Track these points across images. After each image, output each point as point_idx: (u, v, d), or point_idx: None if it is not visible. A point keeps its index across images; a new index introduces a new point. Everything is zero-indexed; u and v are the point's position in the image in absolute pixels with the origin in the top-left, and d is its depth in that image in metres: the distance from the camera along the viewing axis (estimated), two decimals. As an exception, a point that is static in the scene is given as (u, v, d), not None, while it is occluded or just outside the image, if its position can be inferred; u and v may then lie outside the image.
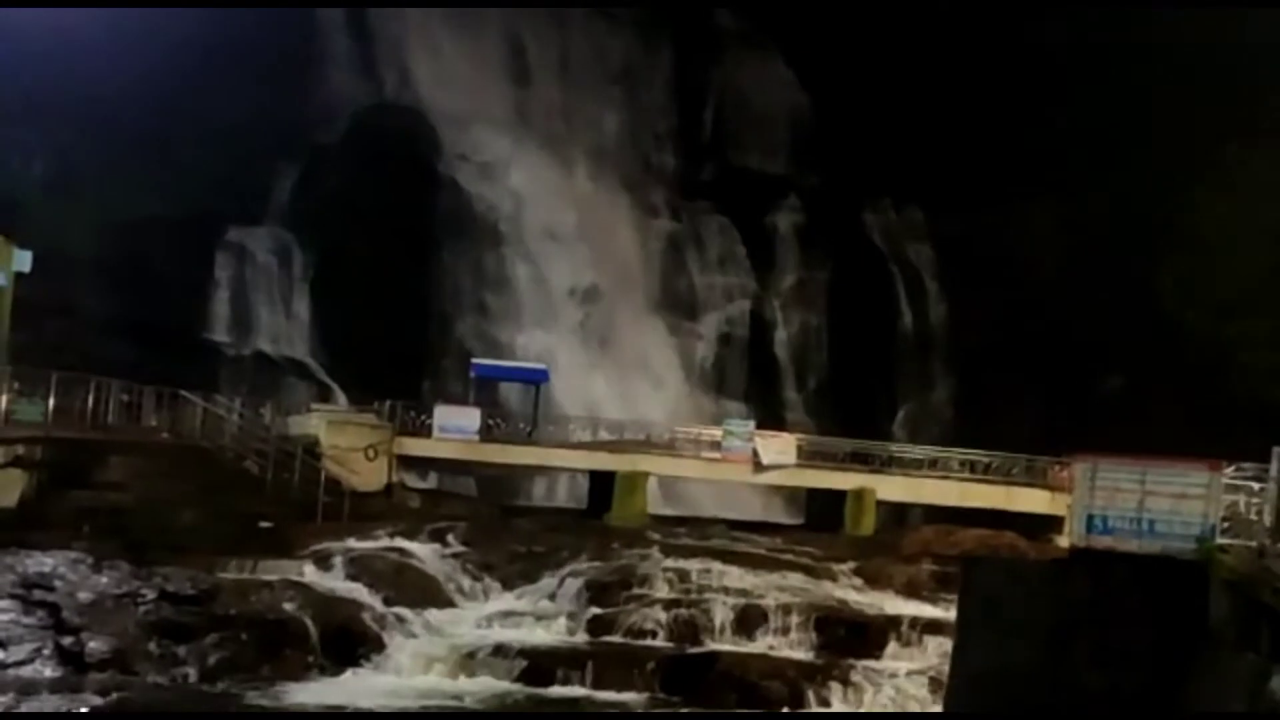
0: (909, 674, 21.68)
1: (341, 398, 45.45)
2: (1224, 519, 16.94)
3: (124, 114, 45.95)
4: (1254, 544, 15.41)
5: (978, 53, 50.67)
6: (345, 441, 33.66)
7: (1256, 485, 17.15)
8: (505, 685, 21.30)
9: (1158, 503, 16.56)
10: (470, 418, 36.42)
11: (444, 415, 36.29)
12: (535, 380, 40.54)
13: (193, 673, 20.17)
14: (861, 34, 53.98)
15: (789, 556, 29.24)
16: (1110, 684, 16.14)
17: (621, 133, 57.50)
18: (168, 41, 46.00)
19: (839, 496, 37.00)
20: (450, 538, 29.05)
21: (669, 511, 40.01)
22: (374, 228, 49.59)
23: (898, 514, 41.13)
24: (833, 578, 27.55)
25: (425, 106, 54.20)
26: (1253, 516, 16.29)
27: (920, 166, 51.85)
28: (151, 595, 21.74)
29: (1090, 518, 17.16)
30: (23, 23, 41.89)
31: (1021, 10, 49.48)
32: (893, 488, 36.92)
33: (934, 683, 20.65)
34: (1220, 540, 16.12)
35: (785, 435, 38.44)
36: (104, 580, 21.97)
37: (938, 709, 19.05)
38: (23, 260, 32.58)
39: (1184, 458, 16.79)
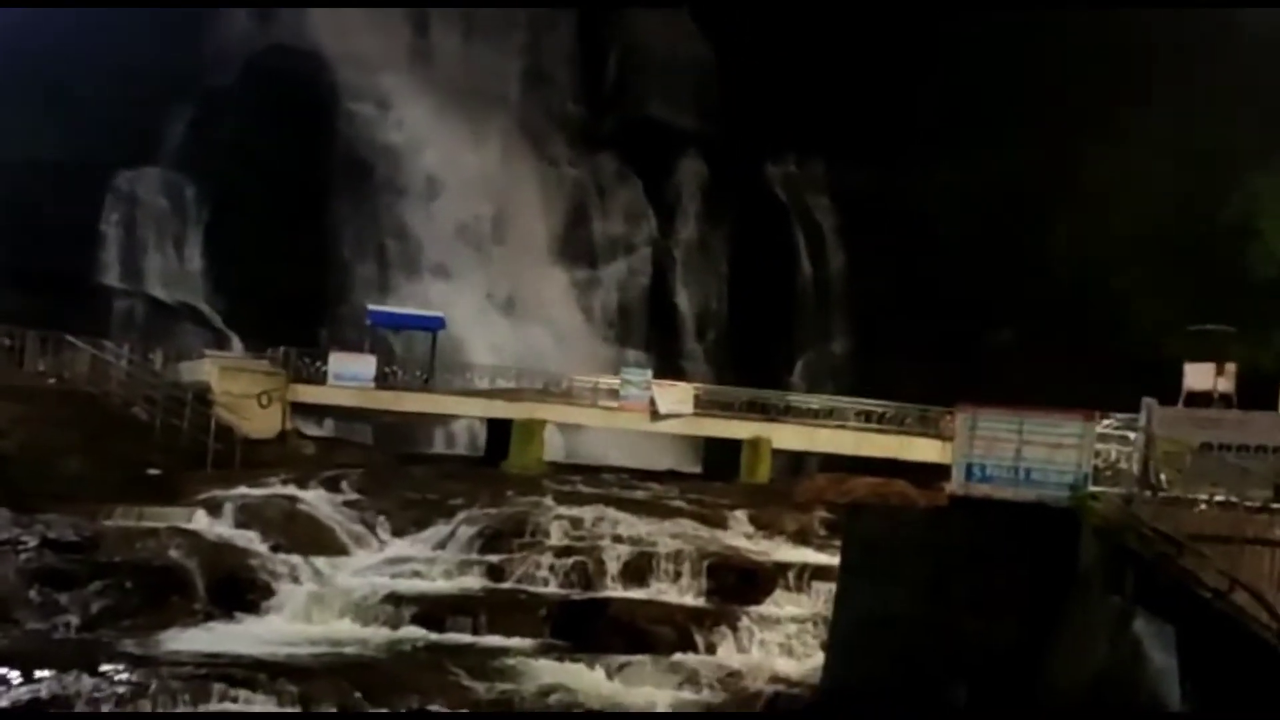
0: (795, 619, 22.03)
1: (237, 345, 44.81)
2: (1105, 468, 17.44)
3: (12, 56, 44.74)
4: (1123, 492, 15.82)
5: (879, 9, 50.87)
6: (238, 388, 33.24)
7: (1131, 435, 17.59)
8: (395, 632, 21.32)
9: (1034, 452, 16.98)
10: (366, 365, 36.17)
11: (339, 362, 35.99)
12: (431, 327, 40.25)
13: (74, 620, 19.94)
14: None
15: (682, 504, 29.48)
16: (986, 628, 16.59)
17: (523, 80, 56.92)
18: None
19: (736, 446, 37.33)
20: (344, 485, 28.93)
21: (570, 461, 40.17)
22: (270, 172, 48.72)
23: (795, 463, 41.68)
24: (725, 525, 27.86)
25: (322, 50, 53.13)
26: (1122, 465, 16.73)
27: (822, 120, 52.00)
28: (33, 543, 21.46)
29: (969, 466, 17.57)
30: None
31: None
32: (788, 436, 37.34)
33: (819, 627, 20.99)
34: (1093, 489, 16.54)
35: (682, 385, 38.68)
36: (-17, 528, 21.59)
37: (821, 654, 19.36)
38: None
39: (1060, 409, 17.19)
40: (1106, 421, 17.99)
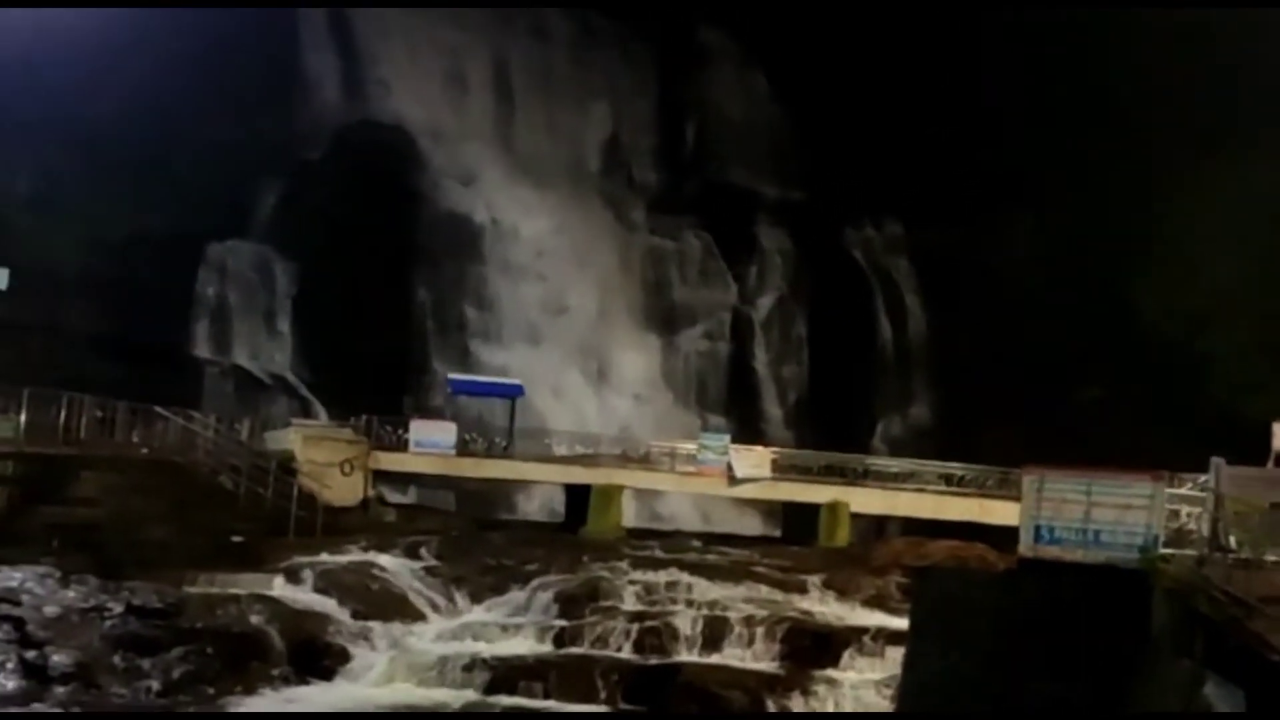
0: (868, 684, 21.85)
1: (322, 413, 45.62)
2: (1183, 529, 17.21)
3: (109, 131, 46.23)
4: (1195, 554, 15.60)
5: (957, 68, 50.99)
6: (321, 456, 33.84)
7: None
8: (469, 695, 21.48)
9: (1103, 513, 16.79)
10: (446, 432, 36.64)
11: (420, 430, 36.51)
12: (510, 395, 40.75)
13: (156, 685, 20.29)
14: (843, 50, 54.30)
15: (759, 568, 29.39)
16: (1056, 691, 16.36)
17: (603, 148, 57.79)
18: (154, 59, 46.41)
19: (815, 510, 37.16)
20: (423, 551, 29.29)
21: (651, 527, 40.31)
22: (356, 243, 49.81)
23: (877, 527, 41.36)
24: (801, 589, 27.69)
25: (408, 123, 54.51)
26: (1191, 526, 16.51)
27: (900, 182, 52.19)
28: (118, 609, 21.89)
29: (1038, 528, 17.39)
30: (8, 39, 42.09)
31: (997, 29, 49.82)
32: (867, 500, 37.10)
33: (892, 690, 20.79)
34: (1164, 550, 16.34)
35: (759, 449, 38.63)
36: (71, 595, 22.11)
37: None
38: (0, 278, 32.67)
39: (1129, 470, 17.03)
40: (1188, 484, 17.81)
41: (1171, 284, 45.05)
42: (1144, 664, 15.60)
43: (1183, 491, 17.22)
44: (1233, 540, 15.14)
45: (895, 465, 39.36)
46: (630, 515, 39.93)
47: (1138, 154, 45.66)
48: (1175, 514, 16.85)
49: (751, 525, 42.94)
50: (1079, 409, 45.67)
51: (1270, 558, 14.80)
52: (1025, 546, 17.50)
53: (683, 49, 59.42)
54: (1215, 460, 15.57)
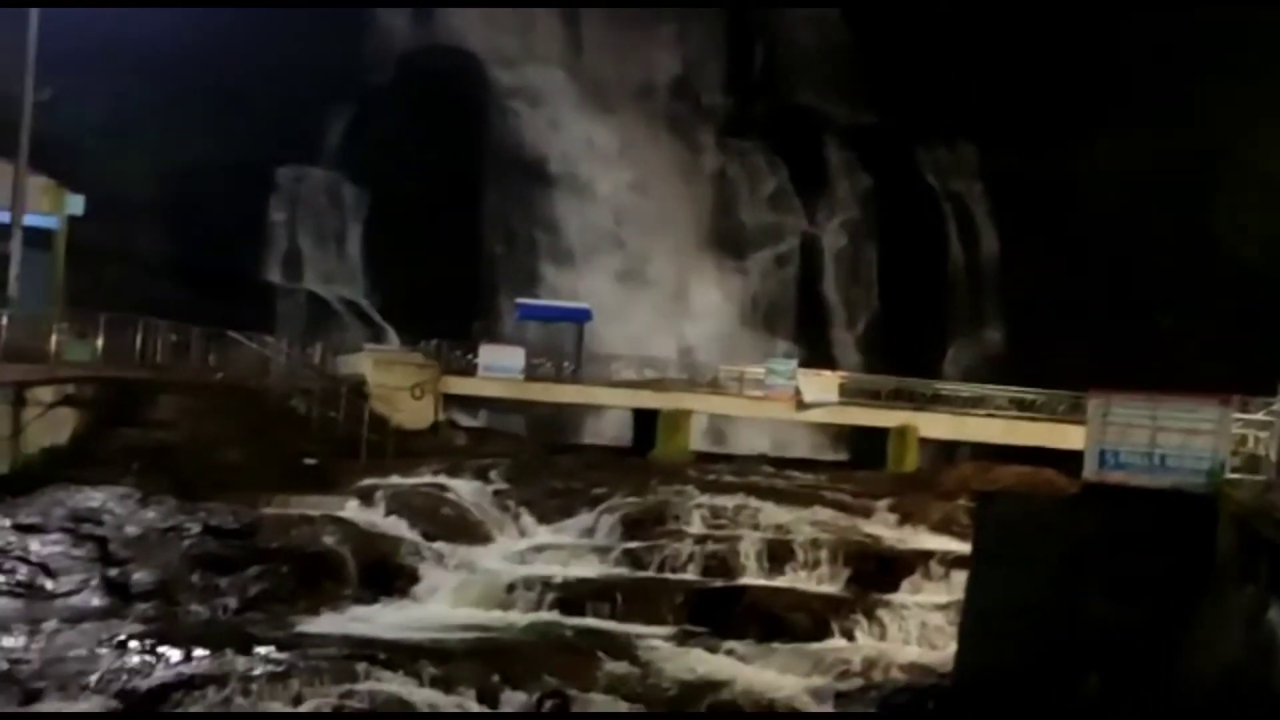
0: (934, 607, 21.94)
1: (394, 338, 46.12)
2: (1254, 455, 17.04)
3: (177, 59, 46.47)
4: (1262, 479, 15.46)
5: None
6: (392, 380, 34.32)
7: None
8: (536, 616, 21.81)
9: (1169, 438, 16.67)
10: (515, 357, 36.99)
11: (489, 354, 36.89)
12: (579, 319, 40.95)
13: (233, 603, 20.83)
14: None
15: (826, 493, 29.55)
16: (1120, 615, 16.34)
17: (671, 70, 57.34)
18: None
19: (884, 434, 37.19)
20: (492, 475, 29.71)
21: (718, 450, 40.50)
22: (425, 168, 49.96)
23: (946, 452, 41.27)
24: (867, 514, 27.89)
25: (474, 47, 54.41)
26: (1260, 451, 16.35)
27: (973, 102, 51.32)
28: (195, 530, 22.42)
29: (1103, 453, 17.32)
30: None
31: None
32: (936, 425, 37.09)
33: (957, 615, 20.84)
34: (1231, 475, 16.20)
35: (828, 373, 38.69)
36: (150, 515, 22.69)
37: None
38: (75, 204, 33.33)
39: (1196, 393, 16.86)
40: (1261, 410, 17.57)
41: (1250, 208, 44.20)
42: (1209, 590, 15.53)
43: (1254, 416, 16.96)
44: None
45: (965, 390, 39.30)
46: (700, 439, 40.17)
47: (1218, 74, 44.60)
48: (1244, 440, 16.60)
49: (821, 449, 43.00)
50: (1153, 334, 45.06)
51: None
52: (1090, 472, 17.44)
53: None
54: (1284, 384, 15.38)
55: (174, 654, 17.35)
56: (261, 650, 17.68)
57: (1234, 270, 43.58)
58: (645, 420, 37.67)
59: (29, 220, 29.72)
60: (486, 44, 54.85)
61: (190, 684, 16.36)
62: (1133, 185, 47.27)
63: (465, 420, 40.59)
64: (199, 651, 17.43)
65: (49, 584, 20.27)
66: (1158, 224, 45.89)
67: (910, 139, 54.58)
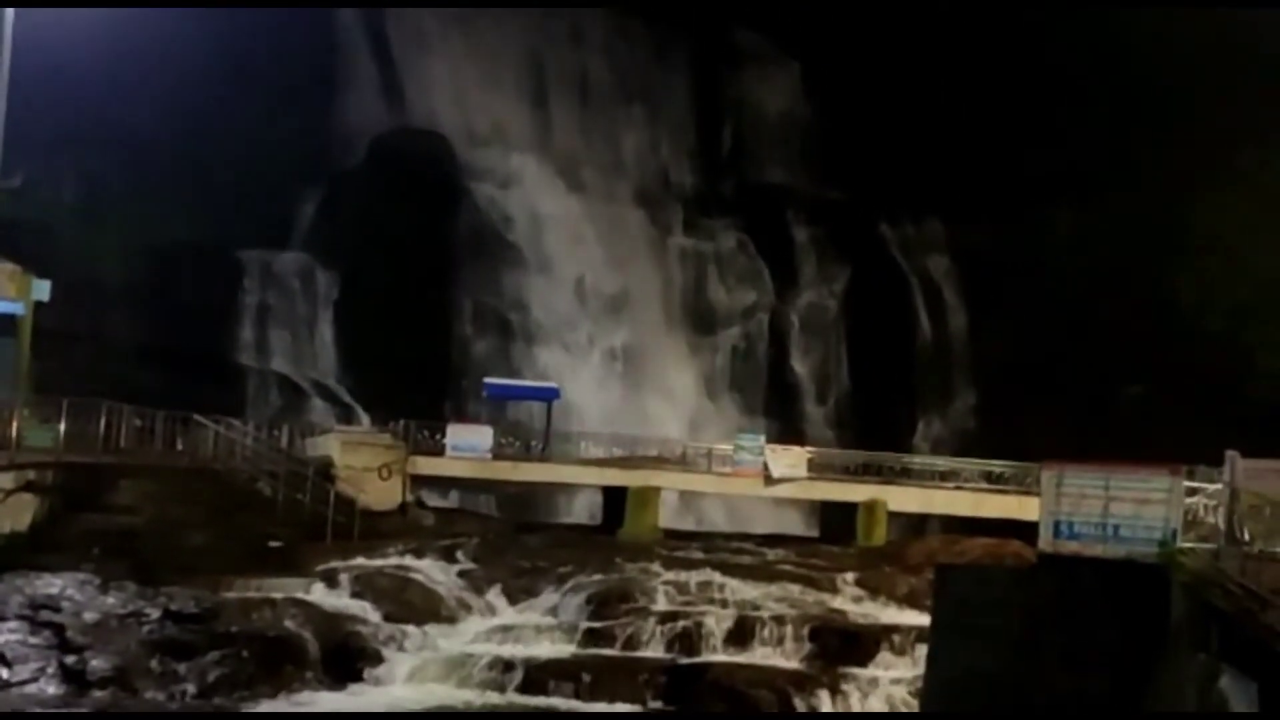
0: (896, 681, 21.91)
1: (364, 418, 46.02)
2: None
3: (150, 141, 46.84)
4: (1213, 547, 15.57)
5: (991, 65, 50.71)
6: (359, 461, 34.15)
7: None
8: (499, 697, 21.72)
9: (1121, 508, 16.82)
10: (483, 436, 36.88)
11: (456, 434, 36.75)
12: (546, 398, 41.00)
13: (192, 688, 20.66)
14: (876, 47, 54.19)
15: (791, 568, 29.51)
16: (1077, 685, 16.38)
17: (640, 150, 57.97)
18: (191, 69, 47.03)
19: (853, 509, 37.14)
20: (459, 554, 29.55)
21: (691, 528, 40.44)
22: (395, 249, 50.24)
23: (916, 526, 41.25)
24: (834, 588, 27.85)
25: (445, 128, 54.92)
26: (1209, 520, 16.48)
27: (937, 179, 51.97)
28: (155, 615, 22.29)
29: (1058, 523, 17.44)
30: (50, 50, 42.66)
31: (1034, 23, 49.52)
32: (904, 498, 37.04)
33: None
34: (1182, 544, 16.31)
35: (796, 449, 38.64)
36: (110, 601, 22.55)
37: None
38: (40, 290, 33.12)
39: (1147, 464, 17.01)
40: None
41: (1212, 278, 44.72)
42: (1162, 657, 15.59)
43: (1208, 486, 17.12)
44: (1246, 533, 15.10)
45: (933, 463, 39.28)
46: (673, 518, 40.13)
47: (1178, 148, 45.28)
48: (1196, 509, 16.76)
49: (793, 525, 42.94)
50: (1122, 405, 45.36)
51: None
52: (1045, 542, 17.56)
53: (718, 50, 59.44)
54: (1230, 453, 15.54)
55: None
56: (219, 736, 17.54)
57: (1199, 339, 43.94)
58: (614, 498, 37.56)
59: (-7, 307, 29.62)
60: (456, 126, 55.38)
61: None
62: (1098, 257, 47.85)
63: (435, 500, 40.38)
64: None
65: (3, 673, 20.08)
66: (1124, 295, 46.34)
67: (877, 216, 55.14)
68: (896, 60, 53.66)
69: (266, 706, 20.25)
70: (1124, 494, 16.79)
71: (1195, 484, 17.34)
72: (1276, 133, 43.04)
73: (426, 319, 49.88)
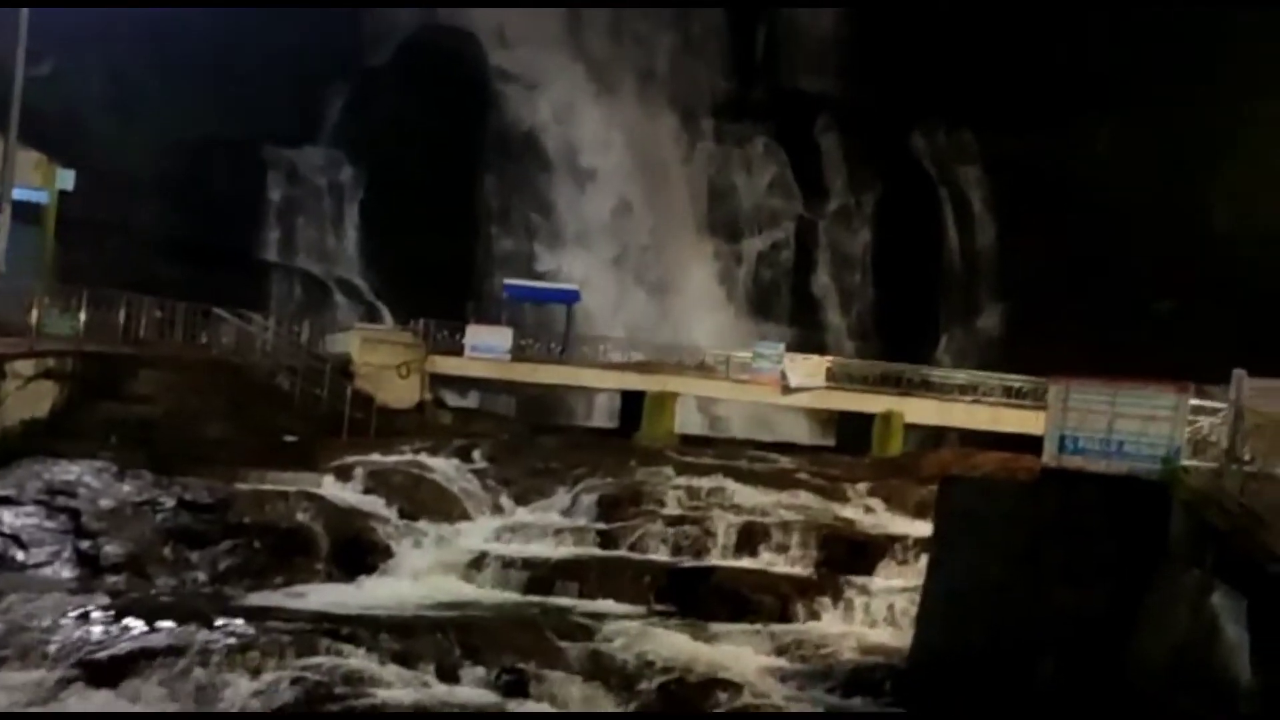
0: (901, 590, 22.00)
1: (388, 317, 46.23)
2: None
3: (179, 36, 46.72)
4: (1215, 465, 15.53)
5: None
6: (378, 359, 34.38)
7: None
8: (505, 594, 21.96)
9: (1126, 424, 16.76)
10: (502, 337, 37.01)
11: (475, 334, 36.92)
12: (567, 300, 41.04)
13: (203, 576, 20.98)
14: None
15: (805, 476, 29.57)
16: (1076, 598, 16.44)
17: (672, 54, 57.27)
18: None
19: (870, 420, 37.22)
20: (475, 454, 29.66)
21: (710, 434, 40.58)
22: (423, 149, 50.10)
23: (935, 438, 41.29)
24: (845, 498, 27.91)
25: (474, 27, 54.38)
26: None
27: (970, 88, 51.17)
28: (170, 503, 22.50)
29: (1062, 438, 17.39)
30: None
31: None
32: (921, 411, 37.11)
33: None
34: (1185, 462, 16.26)
35: (815, 357, 38.69)
36: (125, 488, 22.74)
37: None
38: (65, 179, 33.35)
39: (1154, 380, 16.90)
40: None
41: (1249, 196, 44.06)
42: (1159, 574, 15.61)
43: (1214, 404, 17.01)
44: (1248, 452, 15.03)
45: (952, 376, 39.24)
46: (694, 423, 40.31)
47: (1219, 61, 44.43)
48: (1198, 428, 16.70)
49: (809, 434, 43.06)
50: (1152, 322, 45.01)
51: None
52: (1049, 456, 17.54)
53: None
54: (1237, 372, 15.41)
55: (137, 625, 17.45)
56: (224, 623, 17.78)
57: (1231, 258, 43.46)
58: (633, 403, 37.74)
59: (17, 194, 29.69)
60: (486, 24, 54.83)
61: (149, 654, 16.45)
62: (1131, 172, 47.15)
63: (455, 400, 40.70)
64: (162, 623, 17.52)
65: (20, 555, 20.39)
66: (1156, 211, 45.78)
67: (909, 125, 54.48)
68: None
69: (275, 596, 20.51)
70: (1130, 410, 16.72)
71: (1212, 404, 17.18)
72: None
73: (452, 219, 49.89)
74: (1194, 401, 17.00)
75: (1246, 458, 14.92)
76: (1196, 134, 45.58)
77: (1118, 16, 47.47)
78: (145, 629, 17.40)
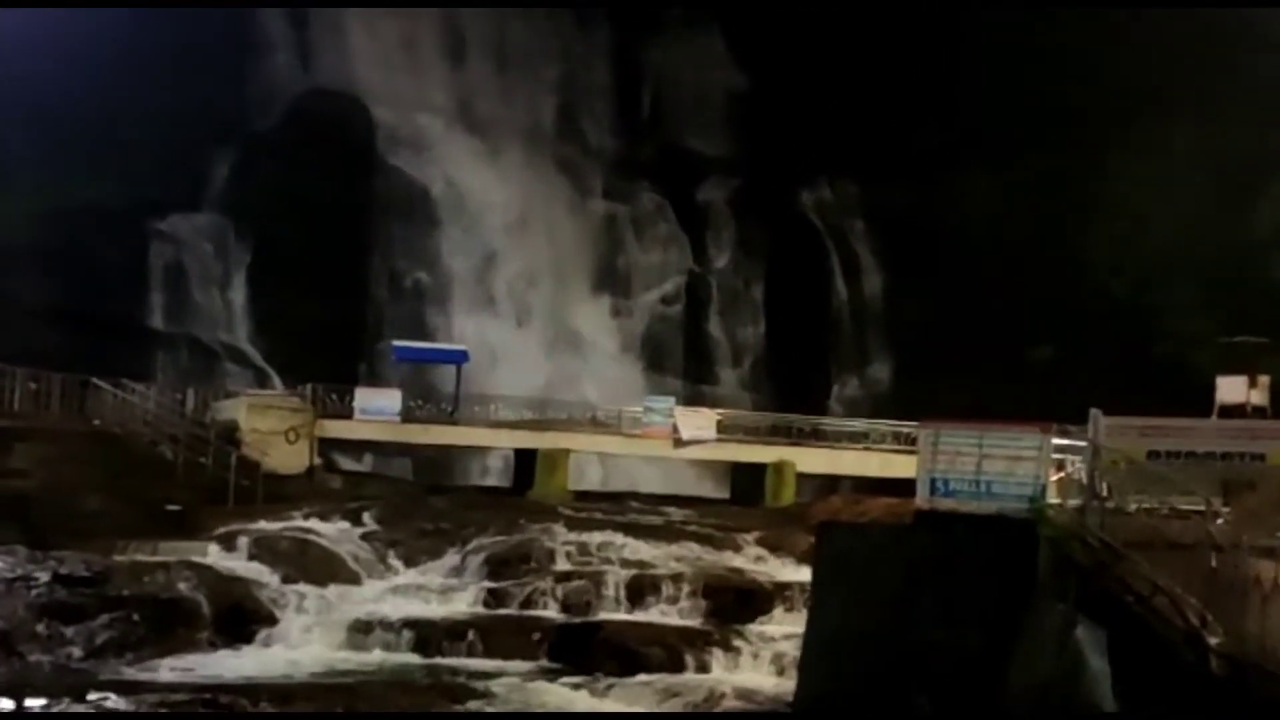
0: (788, 637, 22.14)
1: (277, 382, 45.68)
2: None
3: (61, 101, 46.05)
4: (1077, 503, 15.92)
5: (906, 29, 50.91)
6: (265, 425, 33.96)
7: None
8: (392, 657, 21.78)
9: (994, 465, 17.05)
10: (391, 399, 36.79)
11: (365, 397, 36.66)
12: (456, 361, 40.85)
13: (79, 652, 20.54)
14: (795, 11, 54.15)
15: (696, 528, 29.74)
16: (952, 637, 16.67)
17: (558, 114, 57.58)
18: (104, 29, 46.16)
19: (763, 470, 37.48)
20: (364, 517, 29.43)
21: (605, 489, 40.56)
22: (310, 213, 49.58)
23: (829, 487, 41.63)
24: (735, 547, 28.10)
25: (361, 90, 54.22)
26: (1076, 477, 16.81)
27: (853, 143, 52.09)
28: (44, 578, 22.07)
29: (933, 481, 17.70)
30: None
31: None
32: (813, 460, 37.46)
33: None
34: (1051, 500, 16.63)
35: (705, 410, 38.96)
36: (-2, 565, 22.30)
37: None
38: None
39: (1018, 422, 17.29)
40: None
41: (1120, 242, 45.35)
42: (1029, 610, 15.92)
43: (1077, 443, 17.44)
44: (1104, 488, 15.44)
45: (842, 424, 39.73)
46: (593, 478, 40.33)
47: (1089, 113, 45.80)
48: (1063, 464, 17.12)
49: (703, 487, 43.20)
50: (1032, 367, 45.96)
51: (1134, 505, 15.12)
52: (922, 499, 17.81)
53: (637, 12, 59.07)
54: (1093, 411, 15.85)
55: (5, 703, 17.06)
56: (98, 697, 17.45)
57: (1107, 302, 44.68)
58: (526, 460, 37.67)
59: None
60: (372, 88, 54.70)
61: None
62: (1011, 220, 48.29)
63: (349, 464, 40.30)
64: (32, 701, 17.15)
65: (-113, 636, 19.85)
66: (1036, 258, 46.86)
67: (794, 179, 55.25)
68: (814, 24, 53.60)
69: (155, 668, 20.13)
70: (996, 452, 17.04)
71: (1080, 443, 17.61)
72: (1182, 98, 43.63)
73: (341, 282, 49.43)
74: (1064, 441, 17.40)
75: (1104, 494, 15.32)
76: (1069, 185, 46.84)
77: (995, 71, 48.65)
78: (13, 707, 17.03)
